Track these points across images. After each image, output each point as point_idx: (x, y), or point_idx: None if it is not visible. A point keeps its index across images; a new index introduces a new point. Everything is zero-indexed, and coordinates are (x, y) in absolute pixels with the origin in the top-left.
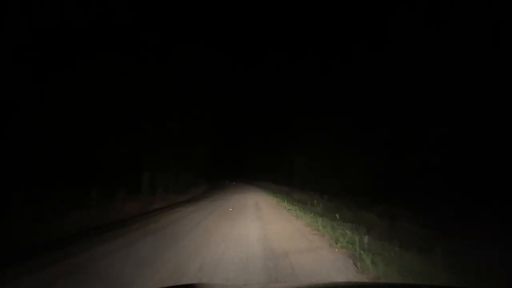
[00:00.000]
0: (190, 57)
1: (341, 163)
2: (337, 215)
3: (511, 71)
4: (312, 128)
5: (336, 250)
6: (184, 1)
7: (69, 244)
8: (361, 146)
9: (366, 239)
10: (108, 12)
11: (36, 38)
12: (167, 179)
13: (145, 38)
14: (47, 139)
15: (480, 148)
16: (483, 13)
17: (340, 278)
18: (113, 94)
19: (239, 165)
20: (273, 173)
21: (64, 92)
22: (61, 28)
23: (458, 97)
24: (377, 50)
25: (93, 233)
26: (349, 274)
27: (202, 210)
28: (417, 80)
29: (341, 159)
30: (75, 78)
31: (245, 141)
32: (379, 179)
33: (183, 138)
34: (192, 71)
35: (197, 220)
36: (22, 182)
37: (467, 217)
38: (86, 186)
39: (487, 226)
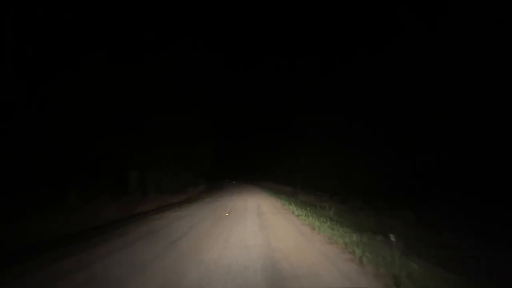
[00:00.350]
0: (190, 57)
1: (344, 162)
2: (391, 236)
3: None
4: (313, 128)
5: None
6: (185, 1)
7: None
8: (363, 146)
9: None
10: (107, 12)
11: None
12: (161, 179)
13: (146, 37)
14: (17, 135)
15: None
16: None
17: None
18: (105, 92)
19: (240, 165)
20: (274, 172)
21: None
22: (58, 26)
23: (460, 97)
24: (377, 49)
25: (25, 255)
26: None
27: (192, 215)
28: (419, 80)
29: (344, 158)
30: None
31: (246, 141)
32: (383, 179)
33: (182, 138)
34: (192, 71)
35: (179, 232)
36: None
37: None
38: (64, 187)
39: None
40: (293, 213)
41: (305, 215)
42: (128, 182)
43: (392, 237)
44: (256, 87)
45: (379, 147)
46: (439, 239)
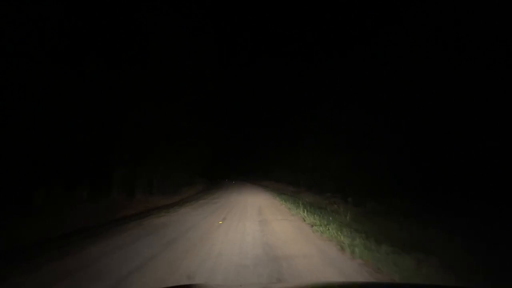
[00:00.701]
0: (187, 52)
1: (349, 161)
2: None
3: None
4: (316, 125)
5: None
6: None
7: None
8: (370, 143)
9: None
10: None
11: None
12: (152, 178)
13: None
14: None
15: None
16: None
17: None
18: (89, 82)
19: (241, 164)
20: (276, 172)
21: None
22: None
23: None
24: (382, 42)
25: None
26: None
27: (178, 222)
28: (433, 70)
29: (350, 156)
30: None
31: (247, 140)
32: (393, 178)
33: (178, 135)
34: (189, 66)
35: (145, 256)
36: None
37: None
38: (31, 186)
39: None
40: (304, 220)
41: (320, 224)
42: (112, 181)
43: None
44: (257, 84)
45: (387, 143)
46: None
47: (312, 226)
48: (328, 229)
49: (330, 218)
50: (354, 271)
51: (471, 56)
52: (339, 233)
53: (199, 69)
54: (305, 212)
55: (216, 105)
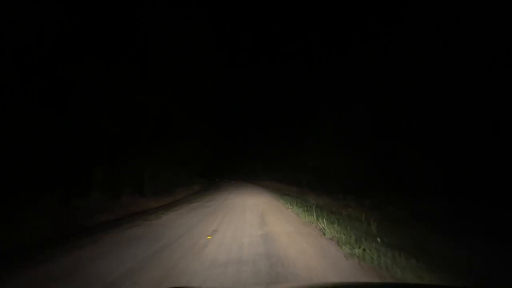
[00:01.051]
0: (192, 52)
1: (348, 161)
2: None
3: None
4: (316, 126)
5: None
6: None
7: None
8: (370, 142)
9: None
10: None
11: None
12: (143, 177)
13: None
14: None
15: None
16: None
17: None
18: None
19: (241, 164)
20: (276, 171)
21: None
22: None
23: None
24: (384, 42)
25: None
26: None
27: (153, 235)
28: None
29: (349, 156)
30: None
31: (247, 140)
32: (391, 178)
33: (180, 135)
34: (193, 66)
35: None
36: None
37: None
38: None
39: None
40: (324, 233)
41: (349, 241)
42: (91, 181)
43: None
44: (258, 84)
45: (387, 143)
46: None
47: (338, 244)
48: (365, 251)
49: (345, 225)
50: None
51: (471, 56)
52: (385, 259)
53: (199, 69)
54: (321, 220)
55: (216, 105)
